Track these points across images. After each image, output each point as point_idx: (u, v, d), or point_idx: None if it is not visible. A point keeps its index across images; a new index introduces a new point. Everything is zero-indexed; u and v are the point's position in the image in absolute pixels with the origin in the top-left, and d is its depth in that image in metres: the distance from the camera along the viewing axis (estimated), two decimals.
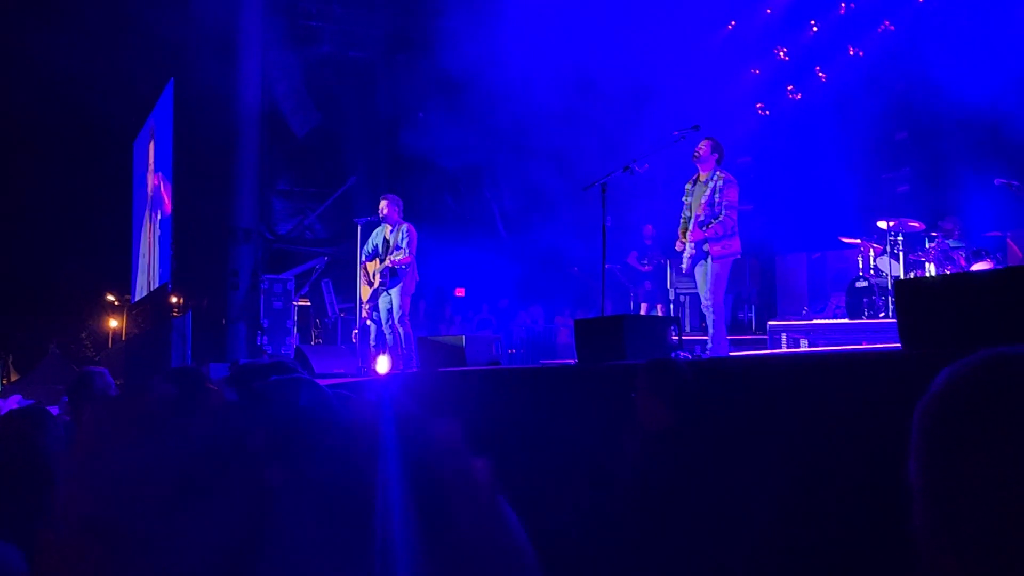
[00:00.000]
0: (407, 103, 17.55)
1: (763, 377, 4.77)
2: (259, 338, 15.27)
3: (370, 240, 10.98)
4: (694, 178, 8.39)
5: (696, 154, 8.23)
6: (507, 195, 18.29)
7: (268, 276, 15.90)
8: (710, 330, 8.04)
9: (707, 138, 8.27)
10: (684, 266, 8.28)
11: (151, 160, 23.11)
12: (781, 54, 15.36)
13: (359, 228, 11.13)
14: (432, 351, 8.81)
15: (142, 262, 24.36)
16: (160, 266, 21.50)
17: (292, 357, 12.47)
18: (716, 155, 8.23)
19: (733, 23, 15.72)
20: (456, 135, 15.86)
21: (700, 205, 8.14)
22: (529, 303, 18.17)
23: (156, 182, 22.44)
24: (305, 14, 17.98)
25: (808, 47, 15.19)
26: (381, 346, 11.05)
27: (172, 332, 18.15)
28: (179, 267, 19.83)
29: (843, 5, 14.55)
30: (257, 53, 16.60)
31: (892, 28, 13.98)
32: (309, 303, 17.62)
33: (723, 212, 8.02)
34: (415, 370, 9.14)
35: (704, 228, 8.03)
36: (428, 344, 9.16)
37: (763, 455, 4.30)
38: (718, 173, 8.19)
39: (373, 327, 11.34)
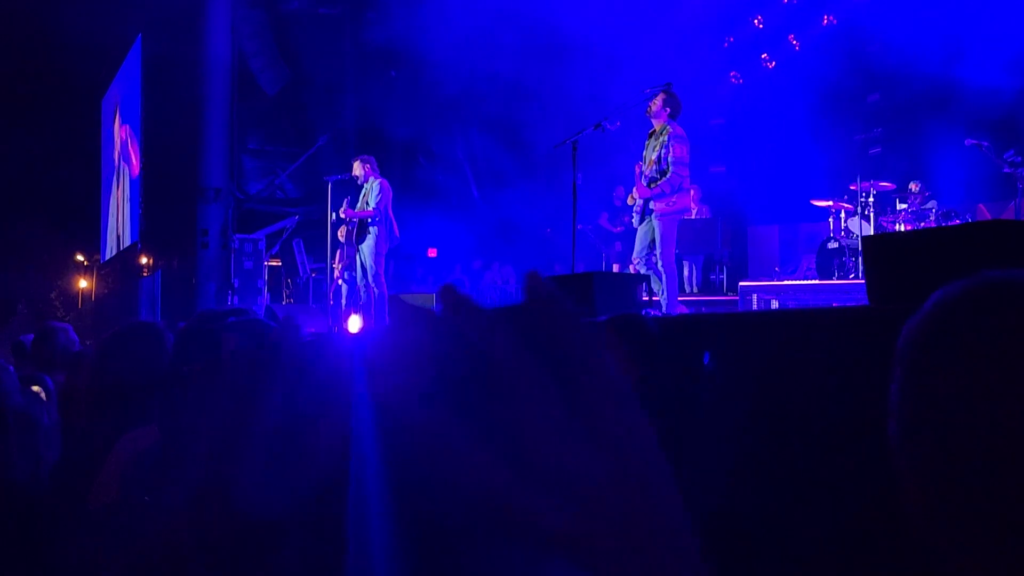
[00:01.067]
0: (378, 61, 17.38)
1: (730, 334, 4.76)
2: (229, 298, 15.17)
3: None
4: (649, 132, 8.28)
5: (649, 109, 8.10)
6: (480, 156, 18.22)
7: (239, 236, 15.78)
8: (663, 292, 7.98)
9: (661, 91, 8.09)
10: (635, 222, 8.22)
11: (117, 117, 22.83)
12: (756, 22, 15.37)
13: (329, 187, 11.06)
14: (402, 309, 8.79)
15: (111, 222, 24.13)
16: (130, 225, 21.31)
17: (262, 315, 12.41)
18: (668, 109, 8.05)
19: None
20: (428, 94, 15.75)
21: (650, 161, 8.06)
22: (502, 264, 18.16)
23: (124, 136, 22.18)
24: None
25: (783, 14, 15.20)
26: (353, 305, 11.02)
27: (142, 292, 18.04)
28: (148, 226, 19.67)
29: None
30: (226, 9, 16.36)
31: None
32: (280, 263, 17.52)
33: (670, 168, 7.90)
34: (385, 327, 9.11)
35: (650, 186, 7.97)
36: (398, 302, 9.12)
37: (731, 414, 4.30)
38: (667, 127, 8.04)
39: (345, 286, 11.32)
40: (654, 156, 8.03)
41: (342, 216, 10.81)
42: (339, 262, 11.12)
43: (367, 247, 10.51)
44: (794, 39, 15.03)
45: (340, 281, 11.21)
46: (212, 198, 15.89)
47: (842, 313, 4.42)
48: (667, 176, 7.91)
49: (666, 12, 15.02)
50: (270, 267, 16.47)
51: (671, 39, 14.88)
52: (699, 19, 15.53)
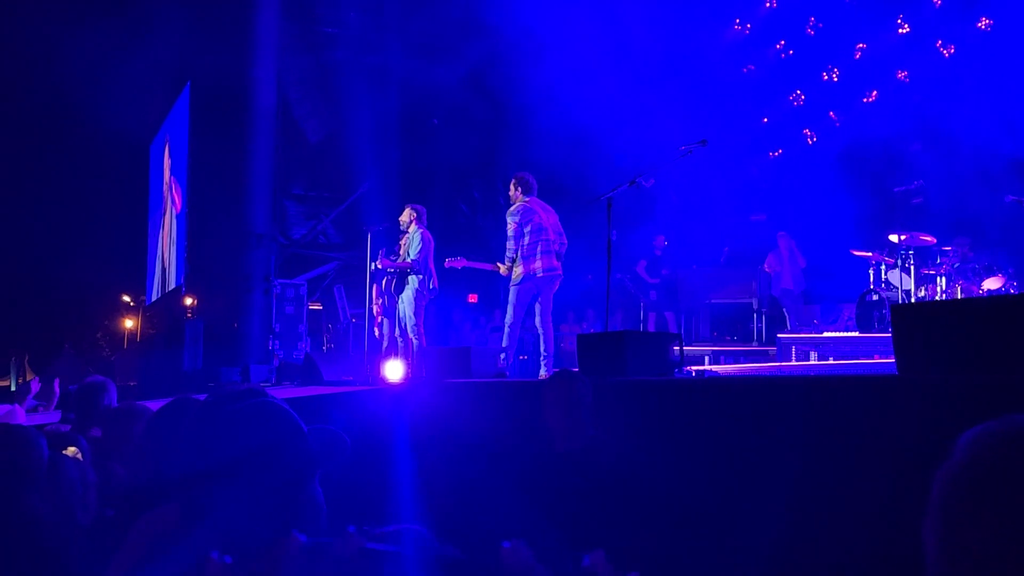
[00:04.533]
0: (421, 109, 17.60)
1: (739, 398, 4.77)
2: (271, 343, 15.34)
3: None
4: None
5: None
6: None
7: (281, 281, 15.99)
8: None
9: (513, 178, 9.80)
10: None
11: (167, 165, 23.25)
12: (797, 93, 15.66)
13: (369, 236, 11.16)
14: (439, 361, 8.83)
15: (158, 264, 24.50)
16: (176, 267, 21.62)
17: (301, 363, 12.52)
18: (519, 189, 9.70)
19: (750, 66, 16.02)
20: (470, 143, 15.90)
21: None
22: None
23: (170, 179, 22.59)
24: (321, 20, 18.05)
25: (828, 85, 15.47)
26: (392, 352, 11.09)
27: (186, 334, 18.25)
28: (193, 270, 19.94)
29: (858, 51, 14.81)
30: (272, 57, 16.67)
31: (907, 80, 14.40)
32: (321, 308, 17.68)
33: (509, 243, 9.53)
34: (422, 380, 9.16)
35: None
36: (435, 354, 9.19)
37: (762, 475, 4.30)
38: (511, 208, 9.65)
39: (386, 322, 11.43)
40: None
41: (378, 266, 10.91)
42: (377, 304, 11.22)
43: (407, 298, 10.58)
44: (834, 115, 15.27)
45: (376, 331, 11.34)
46: (256, 243, 16.10)
47: (871, 382, 4.41)
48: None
49: (700, 68, 15.22)
50: (311, 312, 16.64)
51: (708, 96, 15.04)
52: (737, 69, 15.70)
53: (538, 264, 9.43)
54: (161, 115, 23.70)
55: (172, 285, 21.97)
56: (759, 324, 14.13)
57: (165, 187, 23.32)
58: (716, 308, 14.62)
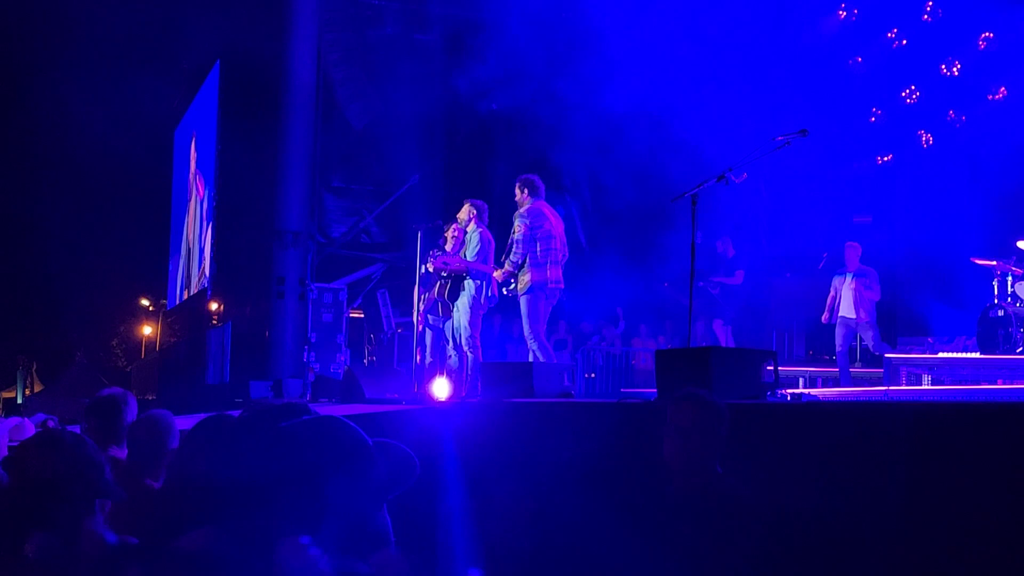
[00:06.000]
0: (476, 93, 17.62)
1: (844, 427, 4.70)
2: (306, 354, 15.47)
3: None
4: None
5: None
6: (590, 201, 18.31)
7: (317, 285, 16.11)
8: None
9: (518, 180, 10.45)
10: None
11: (193, 155, 23.58)
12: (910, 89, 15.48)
13: (419, 235, 11.21)
14: (496, 378, 8.84)
15: (181, 265, 24.85)
16: (198, 267, 21.91)
17: (340, 378, 12.62)
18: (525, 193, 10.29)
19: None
20: (533, 132, 15.92)
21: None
22: (612, 322, 18.17)
23: (195, 177, 22.90)
24: None
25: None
26: (440, 364, 11.14)
27: (210, 343, 18.50)
28: (220, 271, 20.18)
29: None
30: (312, 32, 16.81)
31: None
32: (363, 315, 17.81)
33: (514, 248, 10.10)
34: (477, 399, 9.19)
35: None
36: (491, 369, 9.20)
37: (854, 526, 4.26)
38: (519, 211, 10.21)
39: (430, 334, 11.48)
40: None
41: (430, 269, 10.98)
42: (423, 303, 11.28)
43: (462, 306, 10.60)
44: (953, 113, 15.04)
45: (423, 328, 11.38)
46: (290, 242, 16.26)
47: (998, 411, 4.34)
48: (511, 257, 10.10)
49: (799, 59, 15.14)
50: (351, 320, 16.76)
51: (807, 90, 14.94)
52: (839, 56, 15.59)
53: (550, 274, 9.98)
54: (187, 98, 24.06)
55: (196, 288, 22.29)
56: (863, 342, 13.97)
57: (191, 178, 23.65)
58: (813, 323, 14.46)
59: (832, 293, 13.00)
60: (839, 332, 12.82)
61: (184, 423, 4.73)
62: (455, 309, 10.72)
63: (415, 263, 11.13)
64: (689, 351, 6.43)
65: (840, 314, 12.80)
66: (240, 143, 19.12)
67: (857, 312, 12.63)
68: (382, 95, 18.50)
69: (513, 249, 10.04)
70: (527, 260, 9.96)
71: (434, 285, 11.08)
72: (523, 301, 9.98)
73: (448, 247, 11.28)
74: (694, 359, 6.05)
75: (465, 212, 11.02)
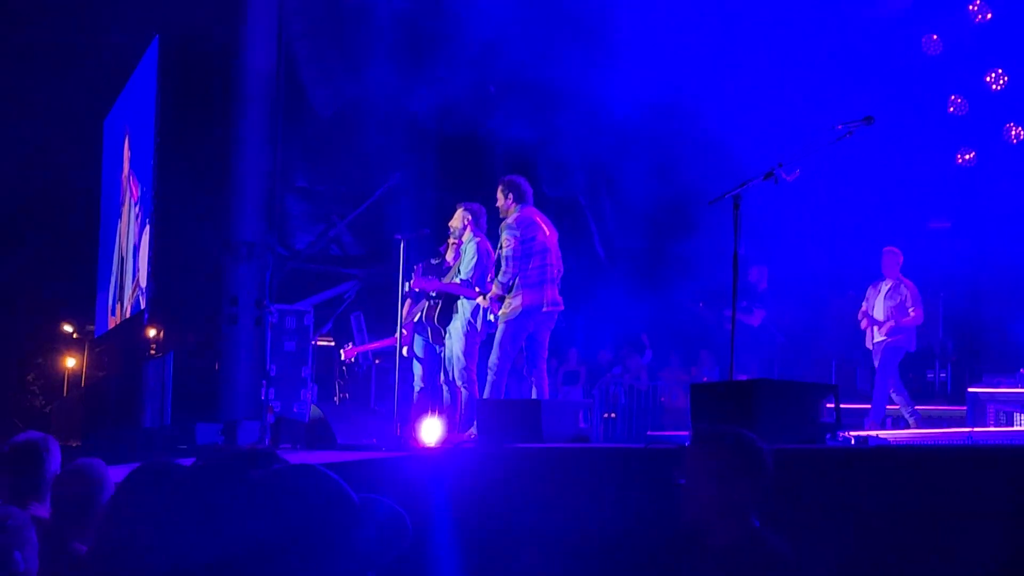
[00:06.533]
0: (470, 72, 17.56)
1: (922, 476, 4.69)
2: (264, 391, 15.42)
3: None
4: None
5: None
6: (608, 204, 18.29)
7: (278, 306, 16.09)
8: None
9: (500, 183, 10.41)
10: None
11: (127, 143, 23.57)
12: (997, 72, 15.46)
13: (402, 245, 11.16)
14: (496, 419, 8.83)
15: (112, 283, 24.80)
16: (134, 283, 21.86)
17: (306, 419, 12.61)
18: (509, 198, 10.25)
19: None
20: (539, 122, 15.91)
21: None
22: (636, 350, 18.14)
23: (128, 178, 22.87)
24: None
25: None
26: (431, 400, 11.11)
27: (147, 378, 18.47)
28: (159, 292, 20.13)
29: None
30: (271, 2, 16.81)
31: None
32: (333, 343, 17.76)
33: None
34: (474, 445, 9.18)
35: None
36: (491, 408, 9.19)
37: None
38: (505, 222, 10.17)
39: (419, 369, 11.45)
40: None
41: (414, 288, 10.96)
42: (407, 322, 11.25)
43: (455, 332, 10.55)
44: None
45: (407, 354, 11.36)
46: (245, 255, 16.24)
47: None
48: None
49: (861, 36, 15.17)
50: (319, 349, 16.73)
51: (871, 72, 14.95)
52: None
53: (543, 295, 9.94)
54: (119, 81, 24.01)
55: (130, 312, 22.26)
56: (940, 373, 13.97)
57: (124, 179, 23.63)
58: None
59: (864, 307, 12.98)
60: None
61: (118, 474, 4.72)
62: (447, 335, 10.69)
63: (397, 279, 11.07)
64: (730, 385, 6.43)
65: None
66: (183, 135, 19.10)
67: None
68: (356, 76, 18.42)
69: (503, 268, 9.93)
70: (517, 279, 9.89)
71: (423, 305, 11.08)
72: (503, 327, 9.93)
73: (449, 256, 11.25)
74: (737, 394, 6.05)
75: (458, 218, 10.97)
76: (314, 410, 12.01)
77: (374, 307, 16.51)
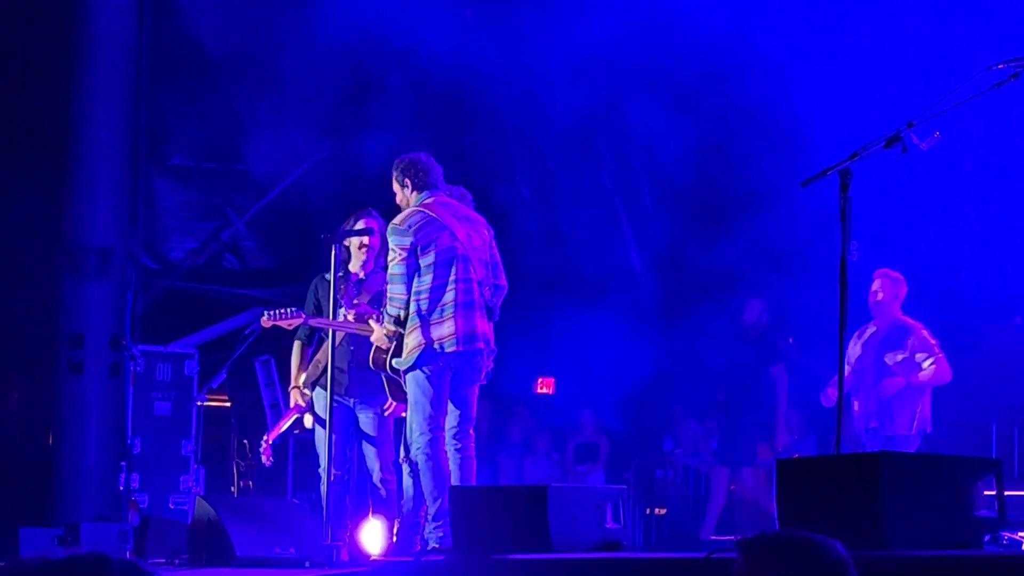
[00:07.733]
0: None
1: None
2: (123, 476, 15.36)
3: None
4: None
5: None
6: (646, 189, 18.38)
7: (145, 347, 16.05)
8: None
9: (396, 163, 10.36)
10: None
11: None
12: None
13: (333, 251, 11.16)
14: (477, 514, 8.83)
15: None
16: None
17: (188, 520, 12.62)
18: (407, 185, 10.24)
19: None
20: (541, 79, 16.04)
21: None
22: (688, 411, 18.21)
23: None
24: None
25: None
26: (372, 491, 11.16)
27: None
28: None
29: None
30: None
31: None
32: (230, 404, 17.80)
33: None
34: (442, 555, 9.18)
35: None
36: (468, 498, 9.18)
37: None
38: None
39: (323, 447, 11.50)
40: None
41: (350, 318, 10.97)
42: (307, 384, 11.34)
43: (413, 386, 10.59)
44: None
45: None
46: (94, 269, 16.20)
47: None
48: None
49: None
50: (208, 411, 16.74)
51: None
52: None
53: (448, 328, 9.84)
54: None
55: None
56: None
57: None
58: None
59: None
60: None
61: None
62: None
63: (327, 304, 11.12)
64: (841, 460, 6.42)
65: None
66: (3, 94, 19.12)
67: None
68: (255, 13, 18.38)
69: (391, 293, 9.98)
70: (411, 307, 9.87)
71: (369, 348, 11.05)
72: (410, 381, 9.89)
73: (354, 267, 11.30)
74: (850, 474, 6.05)
75: (364, 224, 11.09)
76: (201, 505, 11.99)
77: (286, 349, 16.48)
